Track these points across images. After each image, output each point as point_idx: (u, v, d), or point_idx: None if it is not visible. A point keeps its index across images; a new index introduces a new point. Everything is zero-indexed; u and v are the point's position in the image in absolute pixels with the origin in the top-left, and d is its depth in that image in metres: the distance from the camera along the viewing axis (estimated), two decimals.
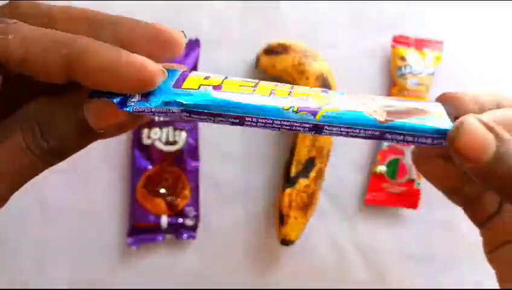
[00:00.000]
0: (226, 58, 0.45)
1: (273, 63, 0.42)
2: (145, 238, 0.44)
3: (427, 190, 0.44)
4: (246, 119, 0.19)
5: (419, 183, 0.45)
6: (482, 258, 0.26)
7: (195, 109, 0.19)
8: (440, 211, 0.45)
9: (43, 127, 0.18)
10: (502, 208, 0.24)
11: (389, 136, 0.19)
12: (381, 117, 0.19)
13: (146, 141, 0.43)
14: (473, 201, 0.25)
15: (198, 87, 0.19)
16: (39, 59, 0.17)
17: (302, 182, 0.42)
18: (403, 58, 0.44)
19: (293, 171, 0.42)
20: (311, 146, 0.42)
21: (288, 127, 0.19)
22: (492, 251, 0.24)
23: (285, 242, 0.42)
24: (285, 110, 0.19)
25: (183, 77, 0.20)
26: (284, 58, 0.42)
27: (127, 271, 0.44)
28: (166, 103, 0.19)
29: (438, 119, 0.19)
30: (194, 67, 0.44)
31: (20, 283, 0.44)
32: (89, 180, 0.44)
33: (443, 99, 0.21)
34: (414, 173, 0.45)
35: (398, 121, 0.19)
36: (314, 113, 0.19)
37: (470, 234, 0.28)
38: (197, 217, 0.44)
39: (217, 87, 0.19)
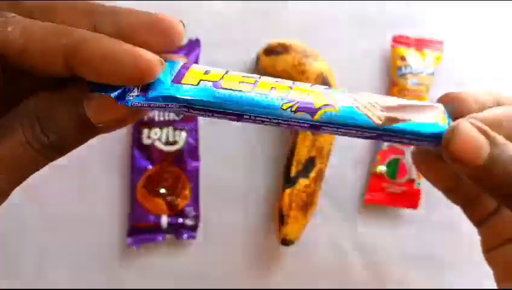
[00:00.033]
0: (226, 58, 0.45)
1: (273, 63, 0.42)
2: (145, 238, 0.44)
3: (427, 190, 0.43)
4: (244, 116, 0.19)
5: (419, 183, 0.45)
6: (482, 258, 0.26)
7: (193, 105, 0.19)
8: (440, 211, 0.45)
9: (43, 122, 0.18)
10: (500, 208, 0.24)
11: (386, 138, 0.20)
12: (378, 120, 0.19)
13: (146, 141, 0.43)
14: (473, 200, 0.25)
15: (198, 83, 0.19)
16: (38, 49, 0.17)
17: (302, 182, 0.42)
18: (403, 58, 0.44)
19: (293, 171, 0.42)
20: (311, 146, 0.42)
21: (286, 125, 0.19)
22: (490, 250, 0.24)
23: (286, 242, 0.42)
24: (283, 109, 0.19)
25: (183, 71, 0.20)
26: (284, 58, 0.42)
27: (127, 271, 0.44)
28: (165, 98, 0.19)
29: (436, 121, 0.20)
30: None
31: (20, 283, 0.44)
32: (88, 181, 0.44)
33: (446, 99, 0.21)
34: (414, 173, 0.45)
35: (396, 124, 0.19)
36: (312, 114, 0.19)
37: (470, 234, 0.28)
38: (197, 217, 0.44)
39: (216, 83, 0.19)
